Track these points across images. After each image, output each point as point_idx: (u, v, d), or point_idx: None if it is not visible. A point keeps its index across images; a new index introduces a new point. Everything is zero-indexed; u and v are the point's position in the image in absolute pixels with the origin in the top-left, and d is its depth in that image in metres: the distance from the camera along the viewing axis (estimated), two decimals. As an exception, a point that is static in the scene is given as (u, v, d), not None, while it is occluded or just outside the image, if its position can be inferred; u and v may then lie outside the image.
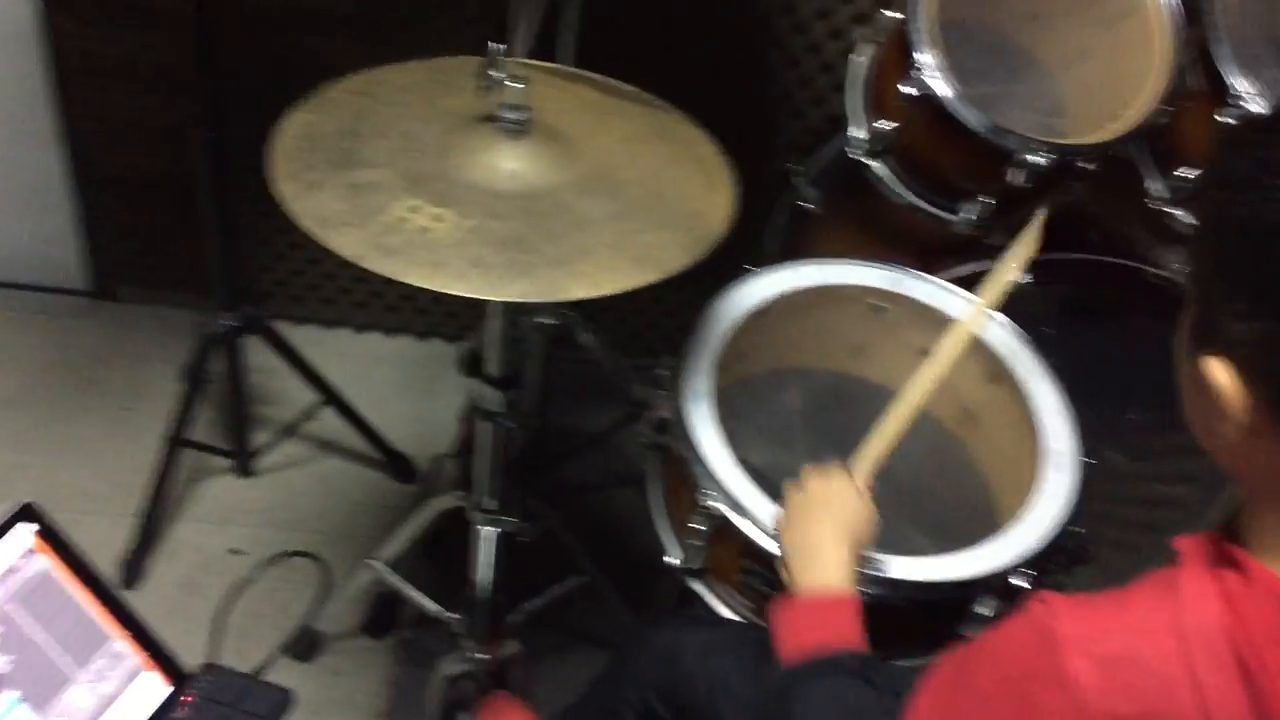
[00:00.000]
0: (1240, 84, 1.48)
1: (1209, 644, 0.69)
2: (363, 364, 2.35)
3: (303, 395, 2.09)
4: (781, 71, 2.06)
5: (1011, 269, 1.46)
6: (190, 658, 1.15)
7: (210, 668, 1.06)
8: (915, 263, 1.80)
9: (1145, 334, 1.75)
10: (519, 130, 1.18)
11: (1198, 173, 1.58)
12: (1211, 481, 1.87)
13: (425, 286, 1.04)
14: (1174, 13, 1.53)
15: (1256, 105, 1.46)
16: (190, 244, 2.25)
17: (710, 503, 1.27)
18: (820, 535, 1.13)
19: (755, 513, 1.25)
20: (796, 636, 1.07)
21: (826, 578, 1.10)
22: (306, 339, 2.36)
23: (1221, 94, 1.50)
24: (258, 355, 1.99)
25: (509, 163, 1.17)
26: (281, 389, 2.20)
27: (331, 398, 2.06)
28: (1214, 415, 0.73)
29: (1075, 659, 0.71)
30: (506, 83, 1.15)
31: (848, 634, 1.06)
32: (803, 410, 1.61)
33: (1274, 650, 0.68)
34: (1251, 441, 0.72)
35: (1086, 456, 1.83)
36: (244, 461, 2.10)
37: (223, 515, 2.05)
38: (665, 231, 1.15)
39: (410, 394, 2.32)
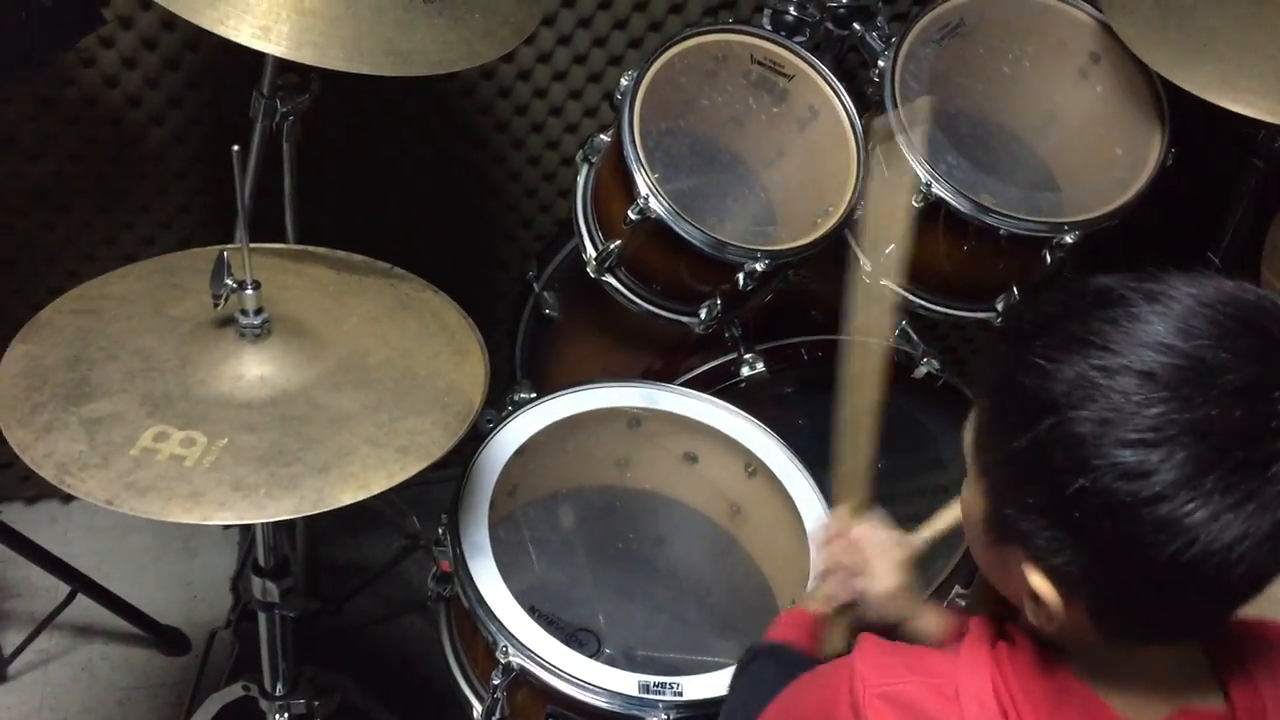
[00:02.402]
0: (924, 172, 1.62)
1: (980, 700, 0.80)
2: (112, 534, 2.22)
3: (51, 580, 1.95)
4: (506, 185, 2.10)
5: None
6: None
7: None
8: (661, 362, 1.89)
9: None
10: (260, 334, 1.16)
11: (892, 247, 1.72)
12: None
13: (188, 522, 1.01)
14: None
15: (942, 190, 1.61)
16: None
17: (508, 659, 1.28)
18: None
19: (553, 661, 1.28)
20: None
21: None
22: (44, 518, 2.21)
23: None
24: (-8, 548, 1.86)
25: (254, 369, 1.15)
26: (25, 579, 2.06)
27: (81, 582, 1.93)
28: (1023, 596, 0.80)
29: (872, 698, 0.82)
30: (241, 291, 1.13)
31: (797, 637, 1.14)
32: (579, 528, 1.65)
33: (1028, 706, 0.79)
34: (1064, 621, 0.79)
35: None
36: (-5, 667, 1.95)
37: (-22, 733, 1.89)
38: (424, 415, 1.15)
39: (168, 557, 2.20)
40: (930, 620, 1.12)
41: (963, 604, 1.78)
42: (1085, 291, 0.75)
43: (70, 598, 1.94)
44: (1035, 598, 0.78)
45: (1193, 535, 0.68)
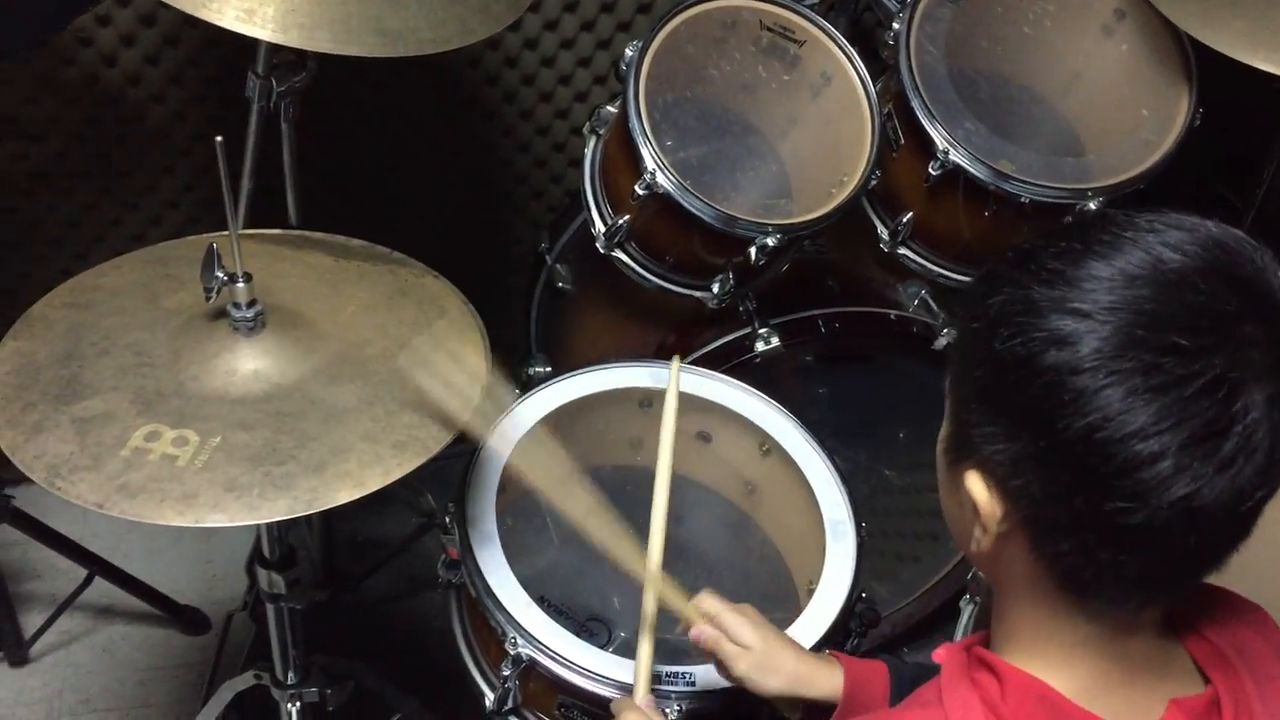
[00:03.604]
0: (940, 137, 1.57)
1: None
2: (130, 514, 2.22)
3: (68, 562, 1.96)
4: (515, 157, 2.06)
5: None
6: None
7: None
8: (675, 337, 1.85)
9: (897, 366, 1.86)
10: (253, 327, 1.13)
11: (911, 214, 1.67)
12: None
13: (179, 524, 0.99)
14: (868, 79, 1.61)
15: (958, 157, 1.56)
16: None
17: (516, 650, 1.26)
18: None
19: (563, 653, 1.25)
20: None
21: None
22: (60, 499, 2.21)
23: (927, 147, 1.59)
24: (7, 529, 1.85)
25: (248, 363, 1.12)
26: (46, 560, 2.06)
27: (98, 565, 1.94)
28: (970, 522, 0.79)
29: None
30: (232, 284, 1.10)
31: None
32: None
33: None
34: (1002, 546, 0.78)
35: (866, 479, 1.94)
36: (17, 649, 1.95)
37: (2, 714, 1.90)
38: (422, 407, 1.13)
39: (187, 535, 2.20)
40: (825, 678, 1.13)
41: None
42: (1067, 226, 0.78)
43: (88, 580, 1.94)
44: (977, 517, 0.77)
45: (1105, 412, 0.68)
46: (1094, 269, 0.71)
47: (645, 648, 1.16)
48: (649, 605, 1.17)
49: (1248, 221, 1.76)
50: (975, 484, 0.77)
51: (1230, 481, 0.68)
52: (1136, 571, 0.74)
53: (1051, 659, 0.78)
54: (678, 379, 1.28)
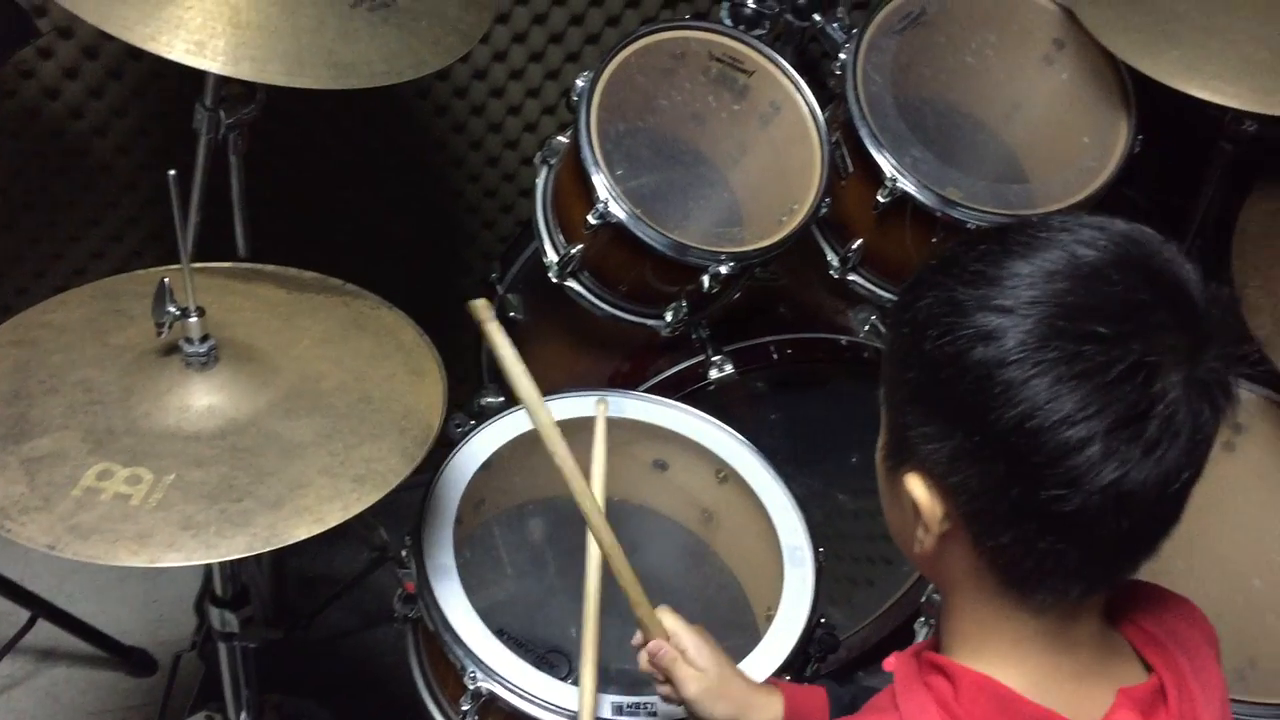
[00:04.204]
0: (888, 165, 1.59)
1: None
2: (73, 554, 2.17)
3: (9, 604, 1.91)
4: (465, 187, 2.06)
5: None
6: None
7: None
8: (629, 365, 1.86)
9: (849, 391, 1.87)
10: (206, 362, 1.12)
11: (860, 241, 1.70)
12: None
13: (134, 565, 0.97)
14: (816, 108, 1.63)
15: (906, 184, 1.58)
16: None
17: (476, 684, 1.25)
18: None
19: (523, 686, 1.24)
20: None
21: None
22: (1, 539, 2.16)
23: (875, 175, 1.61)
24: (-53, 575, 1.81)
25: (202, 399, 1.11)
26: (-17, 604, 2.01)
27: (41, 608, 1.89)
28: (913, 525, 0.81)
29: None
30: (185, 318, 1.09)
31: None
32: (549, 540, 1.61)
33: None
34: (945, 546, 0.80)
35: (820, 503, 1.95)
36: (-46, 697, 1.90)
37: (-59, 765, 1.85)
38: (380, 440, 1.12)
39: (133, 574, 2.15)
40: (766, 705, 1.13)
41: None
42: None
43: (30, 623, 1.89)
44: (919, 518, 0.79)
45: (1033, 402, 0.71)
46: (1014, 267, 0.74)
47: (588, 680, 1.17)
48: (589, 639, 1.18)
49: (1186, 246, 1.79)
50: (915, 485, 0.79)
51: (1156, 464, 0.71)
52: (1075, 559, 0.76)
53: (1001, 656, 0.80)
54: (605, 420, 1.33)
